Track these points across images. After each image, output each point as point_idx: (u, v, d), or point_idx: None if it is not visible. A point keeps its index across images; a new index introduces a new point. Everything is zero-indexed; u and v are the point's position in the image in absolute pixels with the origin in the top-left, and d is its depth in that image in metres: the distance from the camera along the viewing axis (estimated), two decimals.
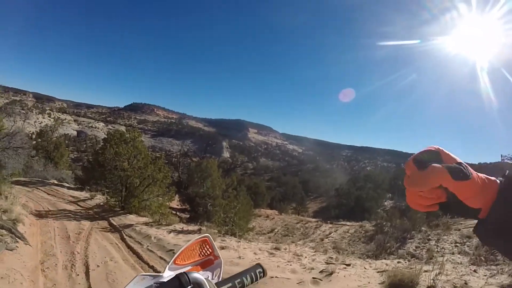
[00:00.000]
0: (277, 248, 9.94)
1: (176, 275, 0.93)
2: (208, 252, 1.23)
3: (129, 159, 16.49)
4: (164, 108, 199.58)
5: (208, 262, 1.23)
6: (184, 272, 0.94)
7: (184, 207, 32.07)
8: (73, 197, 20.39)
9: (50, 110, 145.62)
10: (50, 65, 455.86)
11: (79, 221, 13.17)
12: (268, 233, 28.61)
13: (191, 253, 1.19)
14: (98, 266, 7.77)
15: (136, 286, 1.00)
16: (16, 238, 8.21)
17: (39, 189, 21.84)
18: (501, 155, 26.43)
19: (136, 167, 16.31)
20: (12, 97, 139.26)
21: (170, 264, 1.11)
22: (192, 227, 12.74)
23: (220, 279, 1.19)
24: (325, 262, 8.08)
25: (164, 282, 0.95)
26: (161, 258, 8.74)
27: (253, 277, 1.17)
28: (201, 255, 1.22)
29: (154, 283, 0.97)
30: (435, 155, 0.78)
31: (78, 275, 7.19)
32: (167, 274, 1.04)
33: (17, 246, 7.66)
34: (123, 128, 21.18)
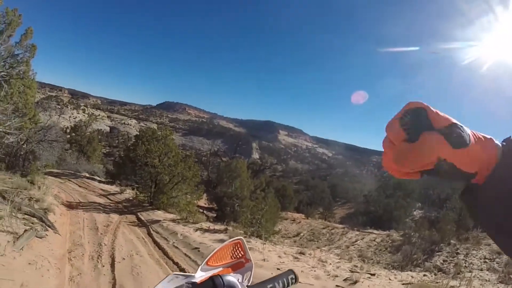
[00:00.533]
0: (302, 253, 9.87)
1: (211, 277, 0.94)
2: (240, 255, 1.22)
3: (160, 156, 16.74)
4: (196, 107, 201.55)
5: (239, 265, 1.22)
6: (218, 274, 0.95)
7: (211, 206, 32.26)
8: (103, 190, 20.93)
9: (84, 106, 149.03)
10: (86, 63, 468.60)
11: (108, 214, 13.46)
12: (293, 236, 28.47)
13: (223, 254, 1.18)
14: (123, 258, 7.90)
15: (169, 284, 0.98)
16: (46, 227, 8.44)
17: (71, 181, 22.46)
18: None
19: (166, 165, 16.56)
20: (48, 93, 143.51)
21: (202, 264, 1.10)
22: (218, 227, 12.81)
23: (250, 283, 1.20)
24: (350, 270, 7.98)
25: (196, 283, 0.95)
26: (186, 255, 8.79)
27: (285, 283, 1.17)
28: (233, 257, 1.21)
29: (186, 283, 0.96)
30: (422, 116, 0.63)
31: (103, 266, 7.32)
32: (199, 275, 1.04)
33: (46, 235, 7.83)
34: (155, 126, 21.52)
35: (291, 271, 1.21)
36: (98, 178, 27.81)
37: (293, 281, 1.20)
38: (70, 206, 13.96)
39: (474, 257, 17.64)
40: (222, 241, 9.82)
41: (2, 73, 9.48)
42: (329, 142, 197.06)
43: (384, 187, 49.80)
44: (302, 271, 7.50)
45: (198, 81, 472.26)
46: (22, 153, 17.67)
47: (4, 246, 5.85)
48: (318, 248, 20.11)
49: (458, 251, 18.63)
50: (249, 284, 1.17)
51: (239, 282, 0.99)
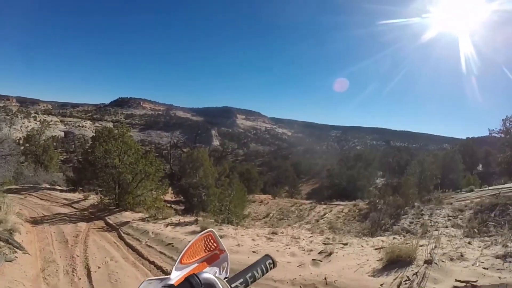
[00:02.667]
0: (274, 233, 9.96)
1: (186, 278, 0.90)
2: (214, 247, 1.22)
3: (119, 155, 16.34)
4: (151, 100, 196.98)
5: (214, 257, 1.21)
6: (194, 274, 0.91)
7: (178, 199, 32.06)
8: (66, 199, 20.27)
9: (35, 113, 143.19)
10: (31, 67, 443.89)
11: (75, 224, 13.14)
12: (263, 218, 28.67)
13: (196, 249, 1.17)
14: (99, 267, 7.80)
15: None
16: (14, 248, 8.17)
17: (32, 195, 21.62)
18: (489, 129, 26.94)
19: (127, 163, 16.18)
20: None
21: (176, 264, 1.09)
22: (188, 219, 12.74)
23: (227, 273, 1.20)
24: (323, 243, 8.13)
25: (173, 285, 0.93)
26: (161, 252, 8.76)
27: (263, 269, 1.18)
28: (206, 250, 1.20)
29: (162, 287, 0.95)
30: None
31: (80, 278, 7.21)
32: (175, 275, 1.04)
33: (16, 257, 7.62)
34: (110, 125, 21.01)
35: (268, 256, 1.23)
36: (60, 187, 26.89)
37: (271, 265, 1.23)
38: (35, 222, 13.56)
39: (438, 216, 18.41)
40: (194, 233, 9.89)
41: None
42: (287, 121, 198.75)
43: (346, 160, 51.05)
44: (277, 250, 7.63)
45: (150, 74, 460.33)
46: None
47: None
48: (289, 225, 20.45)
49: (423, 212, 19.39)
50: (227, 276, 1.17)
51: (216, 276, 0.97)
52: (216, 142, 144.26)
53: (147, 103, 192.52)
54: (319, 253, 7.11)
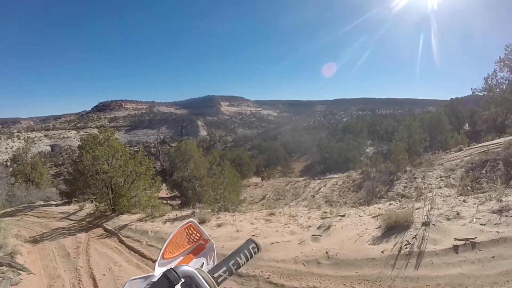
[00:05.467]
0: (272, 214, 10.05)
1: (163, 273, 0.89)
2: (197, 237, 1.19)
3: (107, 160, 16.20)
4: (132, 100, 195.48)
5: (199, 248, 1.18)
6: (171, 268, 0.90)
7: (173, 194, 32.04)
8: (62, 213, 20.08)
9: (18, 132, 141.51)
10: (6, 86, 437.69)
11: (74, 235, 13.09)
12: (260, 200, 28.78)
13: (179, 242, 1.15)
14: (104, 274, 7.80)
15: None
16: (18, 271, 8.10)
17: (28, 214, 21.45)
18: (471, 88, 27.18)
19: (117, 166, 16.07)
20: None
21: (159, 260, 1.07)
22: (185, 212, 12.78)
23: (215, 263, 1.16)
24: (321, 218, 8.20)
25: (153, 282, 0.91)
26: None
27: (247, 254, 1.15)
28: (190, 242, 1.18)
29: (146, 285, 0.94)
30: None
31: None
32: (158, 272, 0.99)
33: (21, 279, 7.56)
34: (95, 131, 20.75)
35: (250, 241, 1.19)
36: (54, 202, 26.53)
37: (255, 250, 1.18)
38: (34, 240, 13.44)
39: (431, 178, 18.67)
40: None
41: None
42: (272, 102, 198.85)
43: (333, 132, 51.32)
44: (276, 230, 7.68)
45: (128, 74, 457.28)
46: None
47: None
48: (286, 205, 20.55)
49: (415, 175, 19.66)
50: (215, 264, 1.14)
51: (199, 268, 0.97)
52: (203, 132, 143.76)
53: (129, 103, 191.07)
54: (318, 228, 7.18)
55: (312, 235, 6.77)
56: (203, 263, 1.17)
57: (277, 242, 6.79)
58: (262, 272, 5.85)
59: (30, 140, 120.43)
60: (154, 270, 1.03)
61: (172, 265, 1.07)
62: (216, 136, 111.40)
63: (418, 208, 6.33)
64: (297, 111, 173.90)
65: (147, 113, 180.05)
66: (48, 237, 13.65)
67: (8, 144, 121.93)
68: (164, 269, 0.98)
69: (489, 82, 38.44)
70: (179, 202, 26.44)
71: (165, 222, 11.58)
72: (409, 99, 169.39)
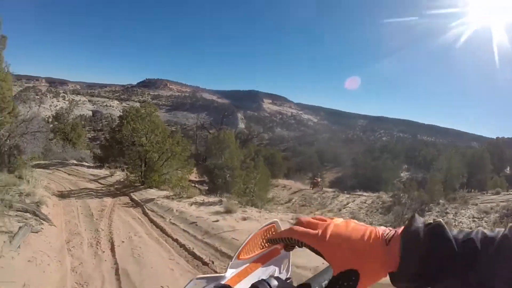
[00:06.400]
0: (297, 218, 9.82)
1: (253, 284, 0.78)
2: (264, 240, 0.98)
3: (146, 134, 16.49)
4: (177, 82, 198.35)
5: (273, 253, 1.00)
6: (263, 280, 0.79)
7: (202, 179, 32.24)
8: (93, 175, 20.68)
9: (64, 93, 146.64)
10: (60, 48, 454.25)
11: (101, 199, 13.34)
12: (285, 203, 28.61)
13: (256, 243, 0.97)
14: (122, 242, 7.85)
15: None
16: (41, 220, 8.30)
17: (60, 170, 22.18)
18: None
19: (154, 142, 16.34)
20: (25, 84, 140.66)
21: (233, 260, 0.91)
22: (212, 199, 12.70)
23: (289, 273, 1.04)
24: None
25: (229, 287, 0.80)
26: (184, 230, 8.75)
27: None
28: (266, 244, 0.98)
29: (214, 287, 0.81)
30: None
31: (103, 252, 7.25)
32: (229, 273, 0.88)
33: (42, 228, 7.72)
34: (137, 105, 21.18)
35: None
36: (87, 164, 27.51)
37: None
38: (61, 195, 13.78)
39: (463, 216, 18.09)
40: (218, 213, 9.93)
41: None
42: (314, 108, 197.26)
43: (371, 150, 50.48)
44: None
45: (178, 56, 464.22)
46: (6, 149, 17.28)
47: (0, 247, 5.75)
48: (311, 212, 20.39)
49: (447, 210, 19.09)
50: (289, 276, 1.03)
51: (278, 276, 0.87)
52: (241, 125, 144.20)
53: (174, 84, 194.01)
54: None
55: None
56: (275, 271, 1.01)
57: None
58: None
59: (74, 102, 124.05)
60: (225, 271, 0.88)
61: (242, 267, 0.93)
62: (254, 131, 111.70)
63: None
64: (337, 121, 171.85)
65: (190, 97, 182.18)
66: (75, 195, 14.00)
67: (52, 103, 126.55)
68: (234, 271, 0.89)
69: None
70: (207, 188, 26.64)
71: (191, 204, 11.55)
72: (453, 130, 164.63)
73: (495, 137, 60.32)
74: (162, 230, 9.00)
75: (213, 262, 6.56)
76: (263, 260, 0.98)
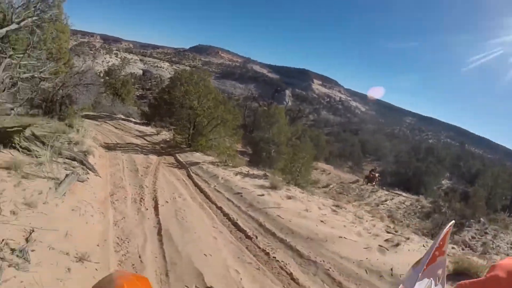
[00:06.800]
0: (338, 206, 9.46)
1: None
2: (438, 245, 0.97)
3: (199, 98, 16.53)
4: (229, 51, 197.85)
5: (431, 260, 0.93)
6: None
7: (244, 149, 32.39)
8: (139, 131, 21.13)
9: (117, 50, 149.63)
10: (116, 7, 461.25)
11: (146, 155, 13.52)
12: (323, 187, 28.44)
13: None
14: (166, 202, 7.85)
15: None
16: (87, 170, 8.41)
17: (107, 123, 22.86)
18: None
19: (206, 107, 16.36)
20: (80, 39, 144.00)
21: (423, 265, 0.87)
22: (257, 172, 12.57)
23: (444, 285, 0.97)
24: (386, 231, 7.81)
25: None
26: (228, 199, 8.69)
27: None
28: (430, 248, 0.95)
29: None
30: None
31: (147, 209, 7.28)
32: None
33: (88, 178, 7.81)
34: (188, 69, 21.42)
35: None
36: (133, 120, 28.25)
37: None
38: (108, 147, 14.09)
39: (502, 240, 17.51)
40: (263, 187, 9.82)
41: (34, 18, 9.32)
42: (363, 96, 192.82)
43: (416, 150, 48.95)
44: (344, 226, 7.31)
45: (232, 25, 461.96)
46: (58, 98, 17.85)
47: (46, 193, 5.82)
48: (349, 202, 20.17)
49: (487, 231, 18.46)
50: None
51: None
52: (288, 102, 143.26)
53: (225, 53, 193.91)
54: (385, 240, 6.71)
55: (379, 246, 6.33)
56: (431, 283, 0.93)
57: (344, 237, 6.48)
58: (323, 261, 5.63)
59: (126, 60, 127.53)
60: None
61: (416, 277, 0.85)
62: (305, 110, 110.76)
63: (482, 265, 5.87)
64: (385, 114, 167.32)
65: (240, 67, 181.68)
66: (121, 149, 14.27)
67: (105, 59, 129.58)
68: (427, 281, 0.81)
69: None
70: (248, 159, 26.88)
71: (236, 174, 11.43)
72: (503, 147, 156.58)
73: None
74: (206, 195, 9.00)
75: (256, 237, 6.48)
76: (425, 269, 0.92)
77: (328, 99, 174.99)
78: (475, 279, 0.73)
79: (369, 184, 31.84)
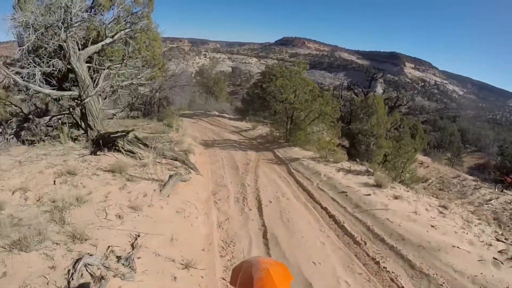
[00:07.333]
0: (444, 207, 8.88)
1: None
2: None
3: (295, 91, 16.37)
4: (315, 40, 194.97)
5: None
6: None
7: (340, 141, 31.69)
8: (234, 127, 21.53)
9: (205, 51, 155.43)
10: (200, 11, 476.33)
11: (245, 151, 13.67)
12: (422, 182, 27.13)
13: None
14: (270, 201, 7.79)
15: None
16: (189, 169, 8.58)
17: (203, 120, 23.78)
18: None
19: (303, 100, 16.13)
20: (170, 45, 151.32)
21: None
22: (358, 167, 12.12)
23: None
24: (495, 238, 7.24)
25: None
26: (333, 199, 8.45)
27: None
28: None
29: None
30: None
31: (250, 209, 7.26)
32: None
33: (190, 177, 7.95)
34: (275, 62, 21.70)
35: None
36: (228, 116, 29.05)
37: None
38: (206, 144, 14.48)
39: None
40: (367, 185, 9.49)
41: (127, 30, 10.07)
42: (460, 78, 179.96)
43: None
44: (455, 232, 6.71)
45: (316, 14, 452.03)
46: (155, 100, 18.96)
47: (151, 196, 5.99)
48: (450, 200, 19.13)
49: None
50: None
51: None
52: (379, 90, 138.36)
53: (312, 43, 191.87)
54: (499, 252, 6.06)
55: (494, 258, 5.72)
56: None
57: (458, 247, 5.97)
58: (437, 275, 5.27)
59: (215, 59, 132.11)
60: None
61: None
62: (404, 98, 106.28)
63: None
64: (486, 97, 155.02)
65: (328, 56, 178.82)
66: (219, 145, 14.58)
67: (195, 60, 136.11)
68: None
69: None
70: (345, 152, 26.44)
71: (338, 170, 11.09)
72: None
73: None
74: (310, 194, 8.83)
75: (365, 243, 6.23)
76: None
77: (422, 84, 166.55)
78: None
79: (499, 189, 25.41)
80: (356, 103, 26.12)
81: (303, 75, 17.76)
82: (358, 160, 14.83)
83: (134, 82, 10.69)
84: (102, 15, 10.09)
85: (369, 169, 11.74)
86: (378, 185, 9.31)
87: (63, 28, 7.81)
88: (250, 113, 25.64)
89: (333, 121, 16.56)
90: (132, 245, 4.39)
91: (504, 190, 24.09)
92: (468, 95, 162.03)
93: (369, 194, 8.56)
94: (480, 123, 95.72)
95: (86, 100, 8.42)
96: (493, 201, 22.55)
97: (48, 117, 9.03)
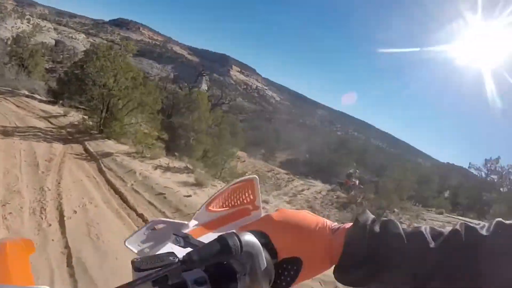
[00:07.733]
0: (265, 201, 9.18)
1: (222, 236, 0.61)
2: (248, 199, 0.90)
3: (116, 75, 14.85)
4: (151, 28, 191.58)
5: (243, 212, 0.90)
6: (233, 232, 0.63)
7: (158, 134, 30.91)
8: (44, 111, 18.98)
9: (30, 15, 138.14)
10: None
11: (50, 143, 11.91)
12: (239, 176, 28.05)
13: (229, 197, 0.89)
14: (75, 212, 6.47)
15: (150, 234, 0.80)
16: None
17: (8, 100, 20.35)
18: (470, 163, 27.51)
19: (123, 87, 14.75)
20: None
21: (201, 210, 0.84)
22: (178, 164, 11.63)
23: None
24: None
25: (190, 236, 0.67)
26: (150, 203, 7.58)
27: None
28: (238, 201, 0.90)
29: (174, 234, 0.69)
30: None
31: (50, 225, 5.84)
32: (193, 224, 0.82)
33: None
34: (105, 42, 19.61)
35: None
36: (39, 97, 25.47)
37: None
38: (4, 132, 12.15)
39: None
40: (187, 184, 8.94)
41: None
42: (279, 86, 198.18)
43: (329, 141, 51.18)
44: None
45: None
46: None
47: None
48: (266, 191, 20.12)
49: (401, 220, 19.49)
50: None
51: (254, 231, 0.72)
52: (204, 87, 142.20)
53: (147, 30, 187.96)
54: None
55: None
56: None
57: None
58: None
59: (39, 27, 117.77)
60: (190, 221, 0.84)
61: (206, 220, 0.86)
62: (227, 97, 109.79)
63: None
64: (299, 105, 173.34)
65: (160, 46, 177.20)
66: (21, 134, 12.46)
67: (15, 24, 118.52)
68: (197, 223, 0.84)
69: (488, 165, 37.88)
70: (163, 145, 25.69)
71: (155, 168, 10.44)
72: (404, 143, 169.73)
73: (445, 162, 62.89)
74: (123, 198, 7.74)
75: None
76: (231, 218, 0.92)
77: (245, 87, 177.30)
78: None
79: (346, 192, 26.46)
80: (180, 96, 25.53)
81: (128, 59, 16.21)
82: (177, 154, 14.26)
83: None
84: None
85: (188, 165, 11.42)
86: (199, 184, 9.07)
87: None
88: (66, 96, 22.84)
89: (153, 113, 15.65)
90: None
91: (347, 192, 26.37)
92: (284, 102, 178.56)
93: (190, 195, 8.16)
94: (292, 126, 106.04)
95: None
96: (305, 191, 24.82)
97: None
